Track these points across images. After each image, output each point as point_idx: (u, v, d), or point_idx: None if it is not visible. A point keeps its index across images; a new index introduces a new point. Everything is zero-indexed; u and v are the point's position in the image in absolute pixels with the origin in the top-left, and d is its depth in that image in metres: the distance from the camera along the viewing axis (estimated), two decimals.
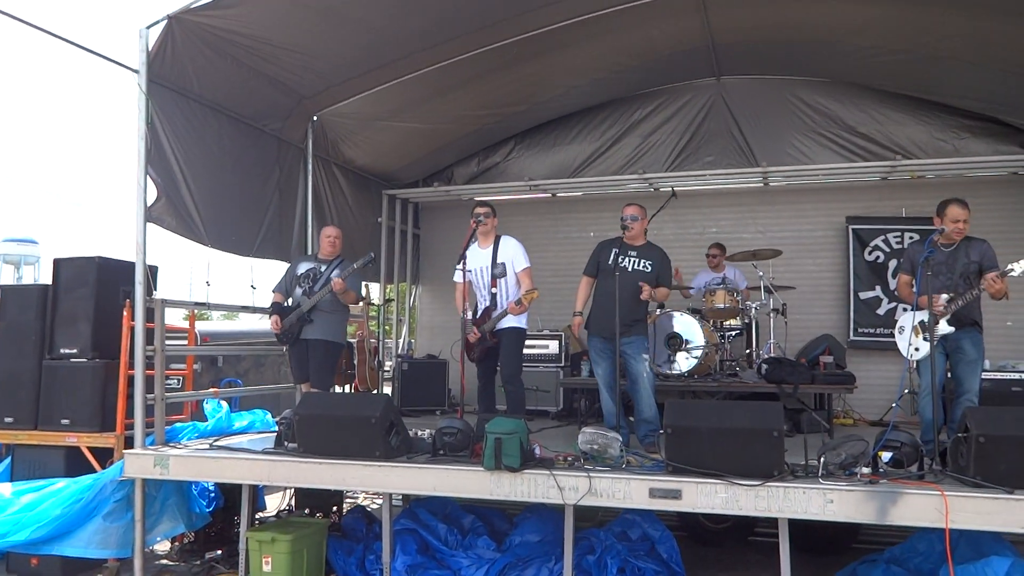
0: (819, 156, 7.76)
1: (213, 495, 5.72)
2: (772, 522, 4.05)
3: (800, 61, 7.52)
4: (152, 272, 5.33)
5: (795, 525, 3.97)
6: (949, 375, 4.99)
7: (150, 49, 5.17)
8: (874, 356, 7.53)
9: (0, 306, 5.86)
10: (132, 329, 5.20)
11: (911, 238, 7.53)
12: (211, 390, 6.98)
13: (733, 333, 7.22)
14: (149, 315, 5.18)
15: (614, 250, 5.29)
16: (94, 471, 5.19)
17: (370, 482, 4.63)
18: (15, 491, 5.13)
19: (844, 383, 6.24)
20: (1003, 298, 4.59)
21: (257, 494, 5.72)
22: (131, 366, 5.18)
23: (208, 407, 6.13)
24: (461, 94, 7.37)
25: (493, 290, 5.50)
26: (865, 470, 3.87)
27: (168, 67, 5.35)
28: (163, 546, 5.77)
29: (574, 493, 4.12)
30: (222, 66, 5.73)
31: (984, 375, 5.33)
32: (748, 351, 7.17)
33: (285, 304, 5.82)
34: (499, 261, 5.51)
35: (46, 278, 5.93)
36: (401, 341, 9.17)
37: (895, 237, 7.82)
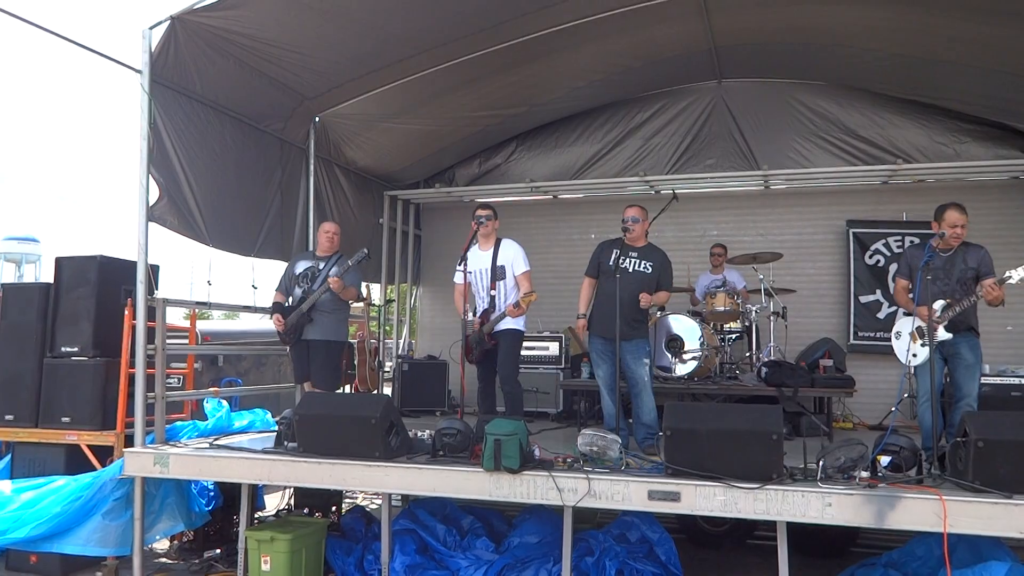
0: (820, 159, 7.78)
1: (212, 494, 5.73)
2: (771, 525, 4.06)
3: (801, 64, 7.53)
4: (153, 271, 5.35)
5: (794, 528, 3.97)
6: (947, 380, 4.98)
7: (153, 49, 5.19)
8: (874, 360, 7.52)
9: (1, 304, 5.87)
10: (133, 328, 5.22)
11: (912, 242, 7.53)
12: (211, 389, 6.98)
13: (733, 336, 7.24)
14: (150, 314, 5.19)
15: (615, 251, 5.25)
16: (94, 469, 5.20)
17: (369, 482, 4.63)
18: (15, 488, 5.14)
19: (844, 387, 6.23)
20: (1000, 305, 4.55)
21: (256, 493, 5.72)
22: (132, 365, 5.19)
23: (208, 406, 6.15)
24: (463, 95, 7.38)
25: (492, 292, 5.49)
26: (864, 474, 3.87)
27: (171, 67, 5.37)
28: (162, 544, 5.79)
29: (573, 495, 4.12)
30: (225, 67, 5.75)
31: (984, 380, 5.33)
32: (748, 354, 7.17)
33: (286, 304, 5.83)
34: (499, 264, 5.50)
35: (47, 277, 5.94)
36: (401, 342, 9.17)
37: (896, 241, 7.83)
